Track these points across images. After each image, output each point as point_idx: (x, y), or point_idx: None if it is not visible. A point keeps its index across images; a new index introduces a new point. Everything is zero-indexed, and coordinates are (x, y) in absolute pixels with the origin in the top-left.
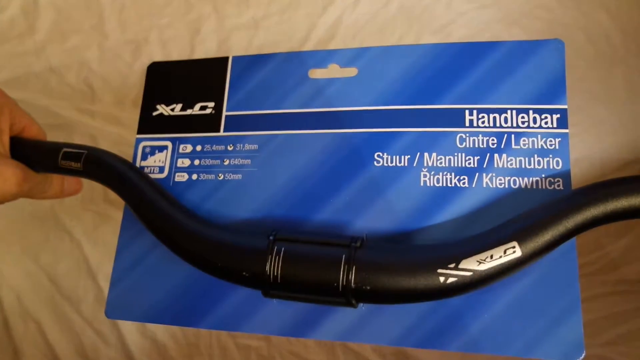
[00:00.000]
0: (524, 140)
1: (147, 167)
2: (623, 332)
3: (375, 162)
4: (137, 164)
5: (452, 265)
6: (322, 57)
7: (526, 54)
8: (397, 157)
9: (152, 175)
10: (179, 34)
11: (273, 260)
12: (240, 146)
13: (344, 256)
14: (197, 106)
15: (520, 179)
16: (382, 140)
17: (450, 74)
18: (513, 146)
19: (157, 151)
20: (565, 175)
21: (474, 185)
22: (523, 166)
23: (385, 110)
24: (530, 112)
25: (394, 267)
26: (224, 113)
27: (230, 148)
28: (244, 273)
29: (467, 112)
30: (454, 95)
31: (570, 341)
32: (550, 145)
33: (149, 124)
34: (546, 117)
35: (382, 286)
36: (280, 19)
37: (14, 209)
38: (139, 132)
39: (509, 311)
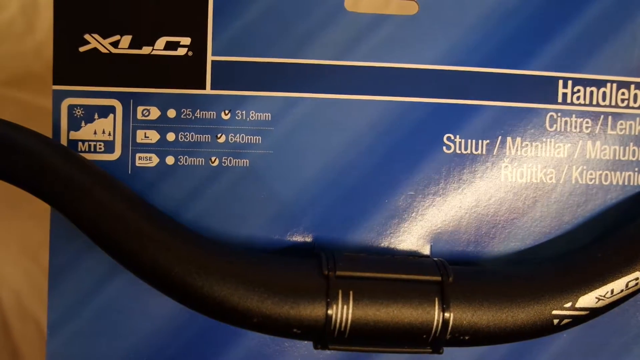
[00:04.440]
0: (621, 124)
1: (84, 142)
2: None
3: (445, 148)
4: (64, 138)
5: (568, 305)
6: None
7: (635, 4)
8: (474, 141)
9: (94, 157)
10: None
11: (340, 309)
12: (242, 114)
13: (437, 300)
14: (161, 42)
15: (612, 173)
16: (454, 117)
17: (545, 25)
18: (609, 131)
19: (97, 115)
20: None
21: (561, 181)
22: (617, 157)
23: (458, 73)
24: (632, 86)
25: (499, 310)
26: (210, 57)
27: (226, 116)
28: (295, 330)
29: (561, 82)
30: (547, 58)
31: None
32: None
33: (75, 66)
34: None
35: (483, 334)
36: None
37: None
38: (57, 81)
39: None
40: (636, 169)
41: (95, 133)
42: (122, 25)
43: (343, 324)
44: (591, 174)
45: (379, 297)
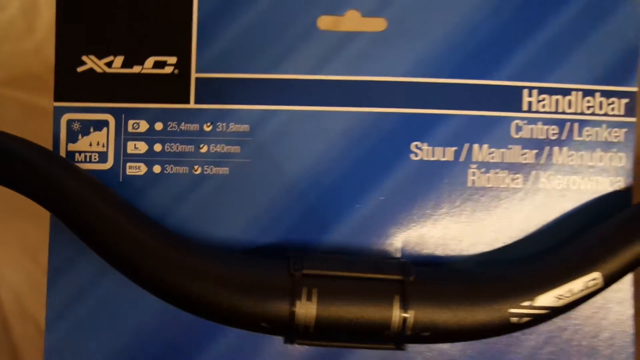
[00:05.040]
0: (588, 131)
1: (80, 153)
2: None
3: (412, 155)
4: (63, 149)
5: (526, 304)
6: None
7: (600, 13)
8: (441, 149)
9: (90, 166)
10: None
11: (304, 306)
12: (222, 126)
13: (398, 297)
14: (150, 61)
15: (580, 178)
16: (421, 126)
17: (511, 36)
18: (575, 137)
19: (92, 128)
20: (628, 175)
21: (529, 186)
22: (584, 163)
23: (425, 84)
24: (597, 94)
25: (457, 309)
26: (194, 74)
27: (207, 128)
28: (263, 324)
29: (525, 91)
30: (512, 68)
31: None
32: (615, 137)
33: (73, 85)
34: (613, 102)
35: (442, 332)
36: None
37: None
38: (57, 98)
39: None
40: (603, 174)
41: (90, 145)
42: (115, 47)
43: (307, 320)
44: (559, 179)
45: (342, 295)
